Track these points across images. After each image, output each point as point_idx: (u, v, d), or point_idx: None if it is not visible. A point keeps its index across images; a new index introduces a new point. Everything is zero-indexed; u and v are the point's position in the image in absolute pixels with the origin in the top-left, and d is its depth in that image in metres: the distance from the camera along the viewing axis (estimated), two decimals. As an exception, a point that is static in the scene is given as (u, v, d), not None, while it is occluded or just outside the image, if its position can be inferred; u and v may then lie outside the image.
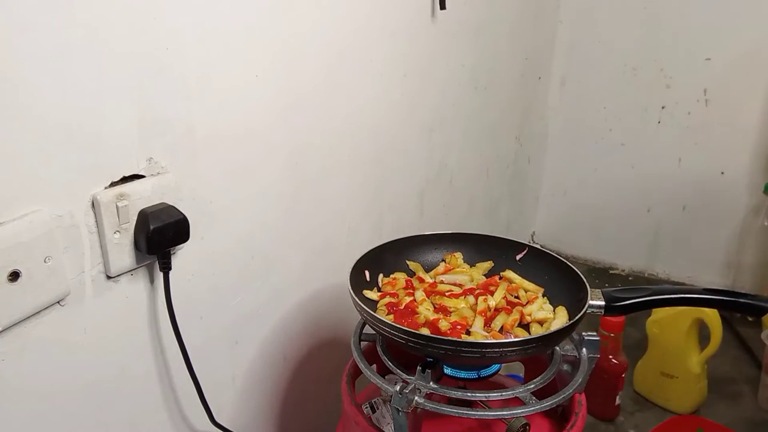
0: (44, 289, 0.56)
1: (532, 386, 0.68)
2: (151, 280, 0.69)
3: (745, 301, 0.70)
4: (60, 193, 0.56)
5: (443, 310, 0.76)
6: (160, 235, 0.63)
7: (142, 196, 0.63)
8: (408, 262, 0.87)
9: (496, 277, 0.83)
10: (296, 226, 0.91)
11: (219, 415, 0.79)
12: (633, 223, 1.88)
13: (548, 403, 0.66)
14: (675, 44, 1.69)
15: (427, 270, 0.86)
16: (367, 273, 0.82)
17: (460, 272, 0.85)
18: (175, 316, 0.69)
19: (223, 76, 0.71)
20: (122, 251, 0.63)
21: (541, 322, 0.74)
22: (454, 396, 0.67)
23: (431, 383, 0.66)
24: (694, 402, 1.30)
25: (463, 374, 0.73)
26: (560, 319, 0.74)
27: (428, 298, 0.78)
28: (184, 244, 0.68)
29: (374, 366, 0.75)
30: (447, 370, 0.73)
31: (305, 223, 0.92)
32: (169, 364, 0.73)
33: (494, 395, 0.67)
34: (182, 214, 0.66)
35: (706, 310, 1.21)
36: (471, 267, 0.87)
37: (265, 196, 0.83)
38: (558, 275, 0.80)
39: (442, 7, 1.13)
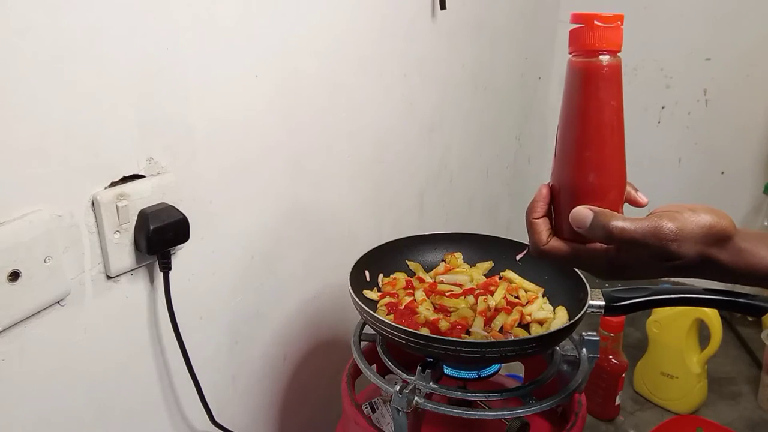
0: (44, 289, 0.56)
1: (532, 386, 0.68)
2: (151, 280, 0.68)
3: (745, 301, 0.70)
4: (60, 193, 0.56)
5: (443, 310, 0.76)
6: (160, 235, 0.63)
7: (142, 196, 0.63)
8: (408, 262, 0.87)
9: (496, 277, 0.83)
10: (296, 226, 0.90)
11: (219, 415, 0.79)
12: (633, 223, 1.88)
13: (548, 403, 0.66)
14: (675, 44, 1.69)
15: (427, 270, 0.86)
16: (367, 273, 0.82)
17: (460, 272, 0.85)
18: (175, 316, 0.69)
19: (223, 76, 0.71)
20: (122, 251, 0.63)
21: (541, 322, 0.74)
22: (454, 396, 0.67)
23: (431, 383, 0.66)
24: (694, 402, 1.30)
25: (463, 374, 0.73)
26: (560, 319, 0.74)
27: (428, 298, 0.78)
28: (184, 244, 0.68)
29: (374, 366, 0.75)
30: (447, 370, 0.73)
31: (305, 223, 0.92)
32: (169, 364, 0.73)
33: (494, 395, 0.67)
34: (182, 214, 0.66)
35: (706, 310, 1.21)
36: (471, 267, 0.87)
37: (265, 196, 0.83)
38: (558, 275, 0.80)
39: (442, 7, 1.13)
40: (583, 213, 0.50)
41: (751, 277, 0.49)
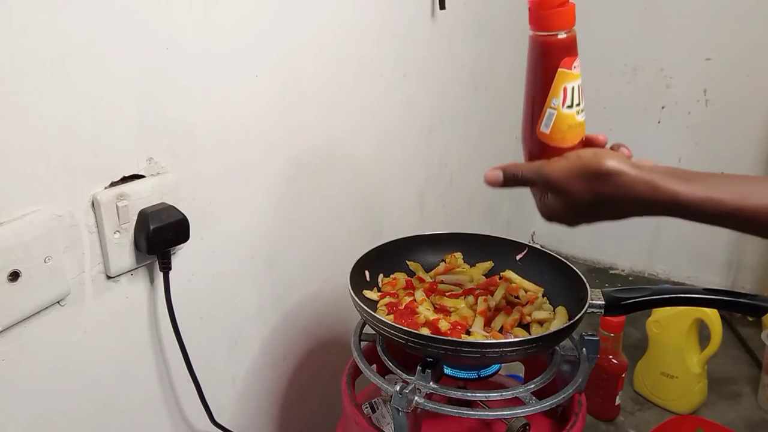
0: (44, 289, 0.56)
1: (532, 386, 0.68)
2: (151, 280, 0.69)
3: (745, 301, 0.70)
4: (60, 193, 0.56)
5: (443, 310, 0.76)
6: (160, 235, 0.63)
7: (142, 196, 0.63)
8: (408, 262, 0.87)
9: (496, 277, 0.83)
10: (296, 226, 0.91)
11: (219, 415, 0.79)
12: (633, 223, 1.85)
13: (548, 403, 0.66)
14: (675, 44, 1.69)
15: (427, 270, 0.86)
16: (367, 273, 0.82)
17: (460, 272, 0.85)
18: (175, 316, 0.69)
19: (223, 76, 0.71)
20: (122, 251, 0.63)
21: (541, 322, 0.74)
22: (454, 396, 0.67)
23: (431, 383, 0.66)
24: (694, 402, 1.30)
25: (463, 374, 0.73)
26: (560, 319, 0.74)
27: (428, 298, 0.78)
28: (184, 244, 0.68)
29: (374, 366, 0.75)
30: (447, 370, 0.73)
31: (305, 223, 0.92)
32: (169, 364, 0.73)
33: (494, 395, 0.67)
34: (182, 214, 0.66)
35: (706, 310, 1.21)
36: (471, 267, 0.87)
37: (266, 196, 0.83)
38: (558, 275, 0.80)
39: (442, 7, 1.13)
40: (491, 174, 0.62)
41: (656, 208, 0.52)
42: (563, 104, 0.57)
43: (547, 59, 0.55)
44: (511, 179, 0.60)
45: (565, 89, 0.56)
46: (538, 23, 0.55)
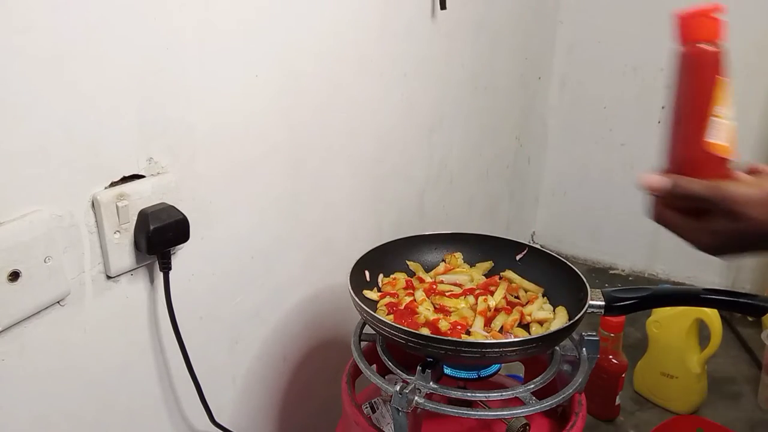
0: (44, 289, 0.56)
1: (532, 386, 0.68)
2: (151, 280, 0.69)
3: (745, 301, 0.70)
4: (60, 193, 0.56)
5: (443, 310, 0.76)
6: (160, 235, 0.63)
7: (142, 196, 0.63)
8: (408, 262, 0.87)
9: (496, 277, 0.83)
10: (296, 226, 0.90)
11: (219, 415, 0.79)
12: (633, 223, 1.88)
13: (548, 403, 0.66)
14: (675, 44, 1.69)
15: (427, 270, 0.86)
16: (367, 273, 0.82)
17: (460, 272, 0.85)
18: (175, 316, 0.69)
19: (223, 76, 0.71)
20: (122, 251, 0.63)
21: (541, 322, 0.74)
22: (454, 396, 0.67)
23: (431, 383, 0.66)
24: (694, 402, 1.30)
25: (463, 374, 0.73)
26: (560, 319, 0.74)
27: (428, 298, 0.78)
28: (184, 244, 0.68)
29: (374, 366, 0.75)
30: (447, 370, 0.73)
31: (305, 223, 0.92)
32: (169, 364, 0.73)
33: (494, 395, 0.67)
34: (182, 214, 0.66)
35: (706, 310, 1.21)
36: (471, 267, 0.87)
37: (265, 196, 0.83)
38: (558, 275, 0.80)
39: (442, 7, 1.13)
40: (658, 180, 0.55)
41: None
42: (725, 113, 0.57)
43: (709, 69, 0.59)
44: (680, 192, 0.53)
45: (725, 98, 0.57)
46: (699, 34, 0.61)
